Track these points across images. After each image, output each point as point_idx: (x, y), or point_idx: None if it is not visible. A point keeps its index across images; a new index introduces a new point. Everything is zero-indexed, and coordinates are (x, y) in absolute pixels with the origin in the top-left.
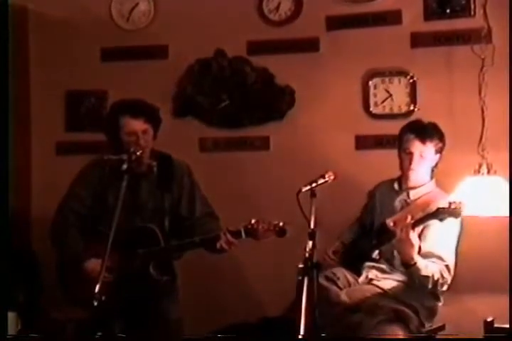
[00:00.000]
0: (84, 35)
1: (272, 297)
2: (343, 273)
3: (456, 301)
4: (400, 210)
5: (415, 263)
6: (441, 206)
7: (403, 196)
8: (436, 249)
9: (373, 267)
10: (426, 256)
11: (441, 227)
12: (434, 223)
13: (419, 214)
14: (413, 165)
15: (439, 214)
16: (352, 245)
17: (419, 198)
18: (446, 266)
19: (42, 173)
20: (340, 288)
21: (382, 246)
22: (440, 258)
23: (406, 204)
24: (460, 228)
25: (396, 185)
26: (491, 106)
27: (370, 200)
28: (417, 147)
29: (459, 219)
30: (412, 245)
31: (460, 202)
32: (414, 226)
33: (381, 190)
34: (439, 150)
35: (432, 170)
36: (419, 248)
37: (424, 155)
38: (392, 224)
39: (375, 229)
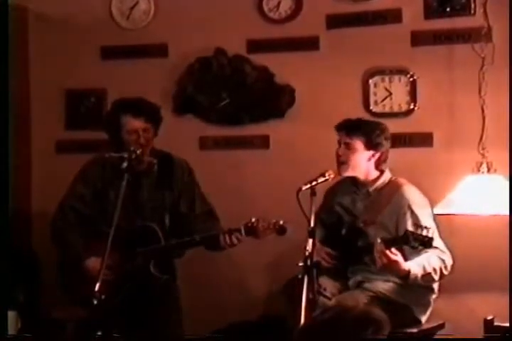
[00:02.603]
0: (84, 33)
1: (272, 295)
2: (329, 282)
3: (456, 300)
4: (365, 208)
5: (410, 271)
6: (409, 229)
7: (363, 193)
8: None
9: (361, 270)
10: (416, 252)
11: (415, 217)
12: (407, 214)
13: (387, 207)
14: (341, 158)
15: (410, 240)
16: (333, 249)
17: (380, 191)
18: (441, 250)
19: (42, 172)
20: (329, 298)
21: (369, 252)
22: None
23: (369, 201)
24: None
25: (351, 185)
26: (491, 105)
27: (328, 201)
28: (342, 140)
29: (428, 211)
30: (395, 262)
31: (428, 229)
32: (388, 247)
33: (338, 192)
34: (372, 147)
35: (377, 167)
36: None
37: (351, 148)
38: (362, 224)
39: (346, 232)
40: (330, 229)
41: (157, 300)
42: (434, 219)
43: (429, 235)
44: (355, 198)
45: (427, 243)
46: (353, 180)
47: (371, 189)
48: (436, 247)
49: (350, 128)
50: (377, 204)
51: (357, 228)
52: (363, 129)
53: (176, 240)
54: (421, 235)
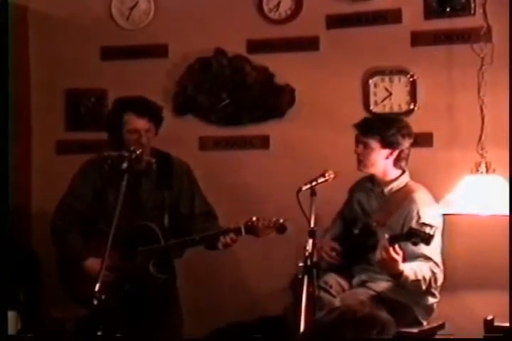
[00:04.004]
0: (84, 34)
1: (271, 296)
2: (335, 280)
3: (456, 300)
4: (379, 208)
5: (403, 272)
6: (414, 226)
7: (378, 193)
8: (420, 248)
9: (365, 269)
10: (411, 257)
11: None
12: (413, 220)
13: (398, 211)
14: (359, 156)
15: (412, 236)
16: (343, 245)
17: (395, 193)
18: (435, 263)
19: (42, 173)
20: (334, 296)
21: (374, 250)
22: (425, 256)
23: (383, 201)
24: (443, 224)
25: (369, 183)
26: (490, 105)
27: (350, 197)
28: (360, 139)
29: (439, 220)
30: (395, 260)
31: (432, 227)
32: (391, 243)
33: (358, 189)
34: (387, 146)
35: (397, 165)
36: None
37: (367, 147)
38: (375, 224)
39: (358, 229)
40: (346, 225)
41: (157, 300)
42: (443, 230)
43: (431, 233)
44: (371, 196)
45: (427, 239)
46: (371, 178)
47: (386, 189)
48: (431, 259)
49: (365, 127)
50: (389, 206)
51: (369, 227)
52: (378, 128)
53: (176, 240)
54: (423, 232)
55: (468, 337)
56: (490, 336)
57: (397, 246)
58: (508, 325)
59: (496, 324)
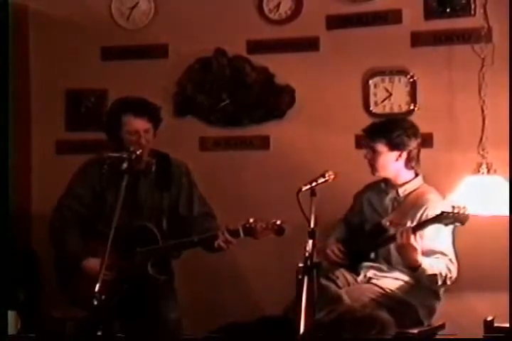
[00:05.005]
0: (84, 34)
1: (271, 296)
2: (341, 273)
3: (457, 300)
4: (393, 209)
5: (420, 265)
6: (444, 210)
7: (392, 194)
8: (436, 245)
9: (372, 267)
10: (428, 253)
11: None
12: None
13: (411, 212)
14: (370, 161)
15: (443, 219)
16: (348, 245)
17: (408, 195)
18: (450, 260)
19: (42, 173)
20: (340, 287)
21: (383, 247)
22: (442, 253)
23: (397, 202)
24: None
25: (383, 185)
26: (491, 106)
27: (357, 202)
28: (367, 144)
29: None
30: (414, 249)
31: (464, 207)
32: (415, 230)
33: (369, 191)
34: (394, 148)
35: (408, 166)
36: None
37: (375, 151)
38: (388, 223)
39: (369, 229)
40: (352, 227)
41: (155, 301)
42: (454, 230)
43: (466, 212)
44: (384, 197)
45: (462, 219)
46: (385, 180)
47: (401, 191)
48: (447, 256)
49: (371, 131)
50: (403, 207)
51: (380, 226)
52: (383, 131)
53: (174, 241)
54: (456, 212)
55: (469, 337)
56: (490, 336)
57: (418, 237)
58: (508, 325)
59: (496, 324)
